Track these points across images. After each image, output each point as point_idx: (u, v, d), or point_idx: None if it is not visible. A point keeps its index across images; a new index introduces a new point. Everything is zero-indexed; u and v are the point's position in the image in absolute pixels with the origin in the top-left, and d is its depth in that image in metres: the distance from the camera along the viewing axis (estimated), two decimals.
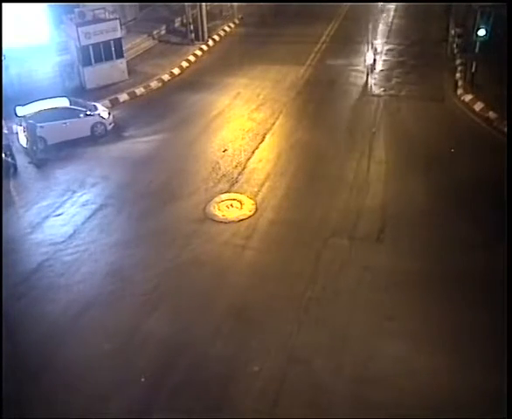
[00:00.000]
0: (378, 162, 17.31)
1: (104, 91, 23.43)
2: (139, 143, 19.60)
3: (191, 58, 27.98)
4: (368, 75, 24.69)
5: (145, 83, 24.54)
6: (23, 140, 18.59)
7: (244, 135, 19.53)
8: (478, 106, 20.46)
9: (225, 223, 14.71)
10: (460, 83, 22.61)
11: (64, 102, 19.73)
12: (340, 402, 9.62)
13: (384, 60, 26.61)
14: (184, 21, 30.99)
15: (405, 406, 9.44)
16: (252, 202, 15.54)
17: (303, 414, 9.44)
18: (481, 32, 20.52)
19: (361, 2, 35.18)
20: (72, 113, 19.43)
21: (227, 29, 32.50)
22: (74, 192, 16.42)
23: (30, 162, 18.29)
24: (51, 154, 18.53)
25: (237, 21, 33.63)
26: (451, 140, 18.56)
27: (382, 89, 23.22)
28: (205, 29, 30.04)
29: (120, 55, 24.49)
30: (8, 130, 18.91)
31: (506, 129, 18.11)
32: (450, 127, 19.70)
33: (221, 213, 15.11)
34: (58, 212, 15.50)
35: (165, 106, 22.37)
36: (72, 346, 10.93)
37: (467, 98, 21.28)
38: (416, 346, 10.62)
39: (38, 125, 18.22)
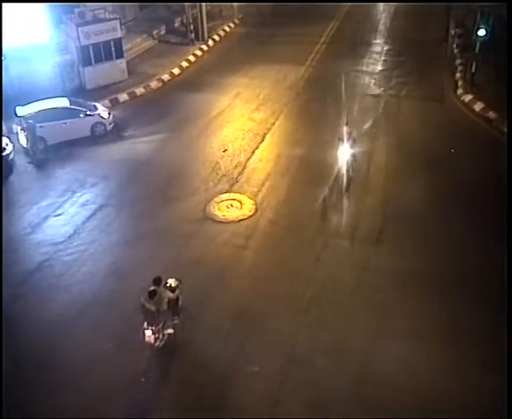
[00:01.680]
0: (378, 163, 17.32)
1: (104, 91, 23.41)
2: (139, 143, 19.60)
3: (191, 57, 27.96)
4: (368, 75, 24.68)
5: (145, 83, 24.53)
6: (23, 140, 18.59)
7: (244, 135, 19.53)
8: (478, 106, 20.47)
9: (225, 223, 14.72)
10: (460, 83, 22.61)
11: (64, 102, 19.72)
12: (340, 402, 9.63)
13: (384, 60, 26.58)
14: (184, 21, 30.96)
15: (405, 405, 9.45)
16: (252, 202, 15.55)
17: (303, 414, 9.45)
18: (481, 32, 20.51)
19: (361, 2, 35.17)
20: (72, 113, 19.43)
21: (227, 29, 32.48)
22: (74, 192, 16.43)
23: (30, 162, 18.30)
24: (51, 154, 18.53)
25: (237, 21, 33.61)
26: (451, 140, 18.56)
27: (382, 89, 23.21)
28: (205, 29, 30.03)
29: (120, 55, 24.49)
30: (7, 130, 18.89)
31: (506, 129, 18.11)
32: (450, 127, 19.69)
33: (221, 213, 15.12)
34: (58, 212, 15.51)
35: (165, 106, 22.37)
36: (72, 346, 10.94)
37: (467, 98, 21.28)
38: (415, 345, 10.63)
39: (38, 125, 18.22)
